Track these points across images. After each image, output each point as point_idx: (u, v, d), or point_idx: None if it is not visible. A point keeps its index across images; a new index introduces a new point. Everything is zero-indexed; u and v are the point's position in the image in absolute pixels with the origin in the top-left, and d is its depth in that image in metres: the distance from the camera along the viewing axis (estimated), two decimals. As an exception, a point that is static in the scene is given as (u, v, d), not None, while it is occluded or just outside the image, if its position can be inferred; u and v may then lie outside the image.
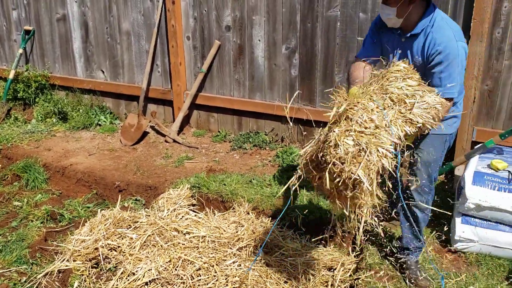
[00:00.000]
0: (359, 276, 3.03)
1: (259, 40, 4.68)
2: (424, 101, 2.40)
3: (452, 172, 3.94)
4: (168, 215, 3.64)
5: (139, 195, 4.22)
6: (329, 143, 2.21)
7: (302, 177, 2.41)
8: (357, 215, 2.30)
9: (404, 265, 3.04)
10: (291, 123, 4.77)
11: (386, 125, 2.26)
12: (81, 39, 5.62)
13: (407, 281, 2.96)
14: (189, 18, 4.94)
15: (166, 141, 5.17)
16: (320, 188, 2.40)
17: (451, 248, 3.26)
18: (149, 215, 3.62)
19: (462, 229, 3.17)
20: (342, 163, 2.15)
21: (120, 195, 4.16)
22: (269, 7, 4.53)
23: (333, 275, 3.08)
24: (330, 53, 4.40)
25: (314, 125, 4.64)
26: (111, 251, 3.24)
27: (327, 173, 2.22)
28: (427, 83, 2.55)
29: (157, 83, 5.36)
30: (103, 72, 5.64)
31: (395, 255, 3.10)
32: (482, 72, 3.84)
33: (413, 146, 2.67)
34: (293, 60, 4.59)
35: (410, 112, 2.35)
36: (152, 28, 5.12)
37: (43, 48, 5.93)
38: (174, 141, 5.14)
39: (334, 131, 2.23)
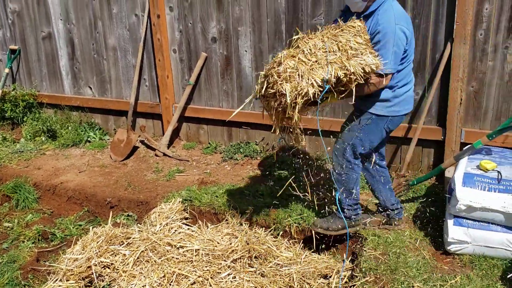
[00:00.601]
0: (355, 283, 3.02)
1: (246, 51, 4.69)
2: (363, 58, 2.78)
3: (442, 174, 3.96)
4: (160, 230, 3.61)
5: (131, 211, 4.19)
6: (275, 59, 2.76)
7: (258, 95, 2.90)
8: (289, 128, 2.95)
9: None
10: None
11: (325, 63, 2.71)
12: (68, 56, 5.60)
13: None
14: (174, 31, 4.95)
15: (156, 155, 5.15)
16: (266, 107, 2.93)
17: (445, 250, 3.27)
18: (141, 231, 3.60)
19: (454, 231, 3.18)
20: (278, 77, 2.68)
21: (111, 211, 4.13)
22: (254, 18, 4.55)
23: (328, 283, 3.08)
24: (316, 61, 4.42)
25: (305, 133, 4.65)
26: (104, 268, 3.20)
27: (266, 81, 2.75)
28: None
29: (145, 97, 5.35)
30: (90, 88, 5.62)
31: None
32: (467, 73, 3.88)
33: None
34: (280, 69, 4.60)
35: (347, 60, 2.75)
36: (138, 42, 5.12)
37: (30, 67, 5.90)
38: (165, 154, 5.12)
39: (283, 52, 2.76)
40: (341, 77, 2.72)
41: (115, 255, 3.29)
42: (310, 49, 2.74)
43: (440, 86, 4.02)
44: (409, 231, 3.51)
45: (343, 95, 2.87)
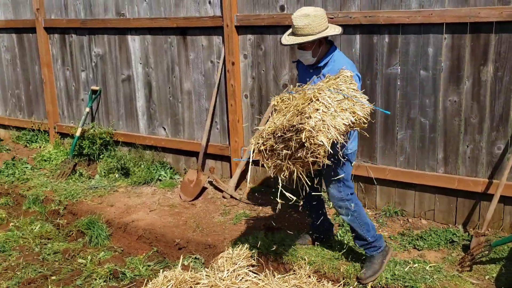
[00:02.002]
0: None
1: (317, 98, 4.70)
2: (362, 103, 3.12)
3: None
4: (228, 276, 3.59)
5: (198, 253, 4.21)
6: (305, 115, 2.91)
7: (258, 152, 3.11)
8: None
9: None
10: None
11: (339, 111, 2.99)
12: (145, 98, 5.87)
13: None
14: (247, 77, 5.07)
15: (223, 197, 5.20)
16: (271, 161, 3.09)
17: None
18: (209, 275, 3.59)
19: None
20: (313, 130, 2.85)
21: (179, 253, 4.17)
22: (327, 66, 4.57)
23: None
24: (390, 110, 4.35)
25: (375, 183, 4.55)
26: (173, 314, 3.21)
27: (302, 136, 2.86)
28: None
29: (216, 140, 5.47)
30: (164, 129, 5.83)
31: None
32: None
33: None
34: (352, 117, 4.56)
35: (354, 106, 3.05)
36: (212, 87, 5.29)
37: (108, 107, 6.23)
38: (232, 197, 5.16)
39: (309, 107, 2.95)
40: (353, 121, 3.02)
41: (184, 301, 3.30)
42: (327, 100, 3.01)
43: (524, 141, 3.81)
44: (491, 296, 3.28)
45: None
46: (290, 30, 3.44)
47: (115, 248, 4.42)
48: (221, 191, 5.27)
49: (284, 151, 2.98)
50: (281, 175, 3.07)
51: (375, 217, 4.51)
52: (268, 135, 3.06)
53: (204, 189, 5.35)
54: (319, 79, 3.38)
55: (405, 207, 4.49)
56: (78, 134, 6.16)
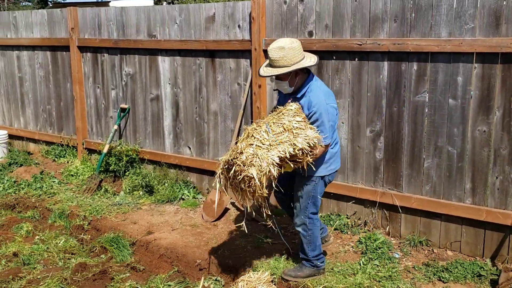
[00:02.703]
0: None
1: (342, 123, 4.69)
2: (306, 134, 3.34)
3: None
4: (248, 300, 3.56)
5: (218, 275, 4.20)
6: (237, 150, 3.24)
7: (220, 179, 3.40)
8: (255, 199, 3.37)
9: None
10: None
11: (277, 144, 3.25)
12: (172, 117, 5.96)
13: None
14: (273, 100, 5.10)
15: (246, 219, 5.18)
16: (230, 187, 3.42)
17: None
18: (228, 299, 3.58)
19: None
20: (243, 165, 3.15)
21: (200, 274, 4.16)
22: (354, 91, 4.57)
23: None
24: (417, 137, 4.30)
25: (400, 211, 4.48)
26: (191, 336, 3.19)
27: (233, 170, 3.22)
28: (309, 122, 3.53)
29: (240, 161, 5.48)
30: (189, 148, 5.89)
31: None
32: None
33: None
34: (378, 143, 4.53)
35: (294, 138, 3.31)
36: (238, 109, 5.34)
37: (136, 125, 6.34)
38: (253, 219, 5.14)
39: (242, 143, 3.29)
40: (292, 152, 3.24)
41: (203, 323, 3.28)
42: (262, 135, 3.27)
43: (557, 174, 3.71)
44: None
45: (296, 165, 3.43)
46: (267, 61, 3.63)
47: (137, 266, 4.44)
48: (243, 212, 5.27)
49: (234, 181, 3.28)
50: (242, 201, 3.43)
51: (399, 246, 4.43)
52: (222, 166, 3.38)
53: (226, 210, 5.35)
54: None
55: (430, 237, 4.39)
56: (105, 150, 6.26)
